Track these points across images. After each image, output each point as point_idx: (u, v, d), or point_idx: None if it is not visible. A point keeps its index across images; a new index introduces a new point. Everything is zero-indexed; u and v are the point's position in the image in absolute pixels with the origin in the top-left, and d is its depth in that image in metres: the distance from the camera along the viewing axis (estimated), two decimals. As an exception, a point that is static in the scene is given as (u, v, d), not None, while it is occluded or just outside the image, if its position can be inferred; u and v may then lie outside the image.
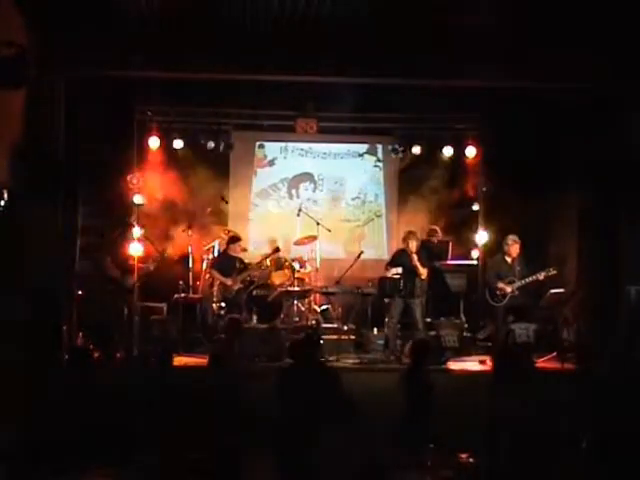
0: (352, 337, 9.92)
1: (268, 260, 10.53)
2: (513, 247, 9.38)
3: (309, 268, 10.76)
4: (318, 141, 12.10)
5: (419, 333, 9.39)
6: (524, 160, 10.42)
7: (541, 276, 9.17)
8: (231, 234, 10.47)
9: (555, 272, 9.18)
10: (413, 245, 9.39)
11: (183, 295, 10.28)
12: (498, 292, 9.31)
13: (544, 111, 9.91)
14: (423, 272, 9.34)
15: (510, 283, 9.27)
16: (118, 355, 8.84)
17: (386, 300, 9.68)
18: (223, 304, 10.00)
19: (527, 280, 9.21)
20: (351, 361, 9.28)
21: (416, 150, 11.57)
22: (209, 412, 5.73)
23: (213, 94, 10.73)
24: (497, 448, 5.06)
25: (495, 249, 10.13)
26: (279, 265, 10.49)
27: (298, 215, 11.15)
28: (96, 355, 8.64)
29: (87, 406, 5.89)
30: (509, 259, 9.42)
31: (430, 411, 6.31)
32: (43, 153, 8.00)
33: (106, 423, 5.78)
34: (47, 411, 5.94)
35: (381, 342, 9.66)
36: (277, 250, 10.41)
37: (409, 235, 9.52)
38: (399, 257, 9.57)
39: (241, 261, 10.08)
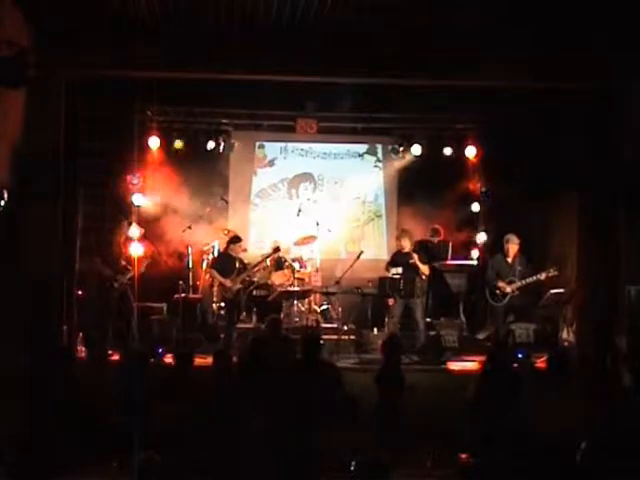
0: (352, 337, 9.93)
1: (268, 260, 10.53)
2: (512, 247, 9.37)
3: (309, 268, 10.76)
4: (318, 141, 12.11)
5: (419, 333, 9.41)
6: (524, 160, 10.42)
7: (542, 276, 9.17)
8: (232, 234, 10.43)
9: (556, 273, 9.18)
10: (406, 244, 9.41)
11: (183, 295, 10.28)
12: (498, 292, 9.31)
13: (544, 111, 9.91)
14: (424, 269, 9.34)
15: (510, 283, 9.27)
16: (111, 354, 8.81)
17: (387, 300, 9.69)
18: (223, 304, 10.00)
19: (528, 280, 9.21)
20: (351, 361, 9.28)
21: (416, 150, 11.58)
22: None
23: (213, 94, 10.73)
24: (495, 448, 5.06)
25: (495, 249, 10.14)
26: (279, 265, 10.49)
27: (298, 215, 11.15)
28: (93, 355, 8.67)
29: (88, 407, 5.89)
30: (509, 259, 9.41)
31: (402, 408, 6.31)
32: (43, 153, 7.99)
33: (108, 423, 5.78)
34: (47, 411, 5.94)
35: (381, 342, 9.65)
36: (277, 250, 10.39)
37: (401, 234, 9.57)
38: (397, 257, 9.59)
39: (241, 261, 10.02)
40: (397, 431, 6.11)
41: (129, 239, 9.58)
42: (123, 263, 9.46)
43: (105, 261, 9.37)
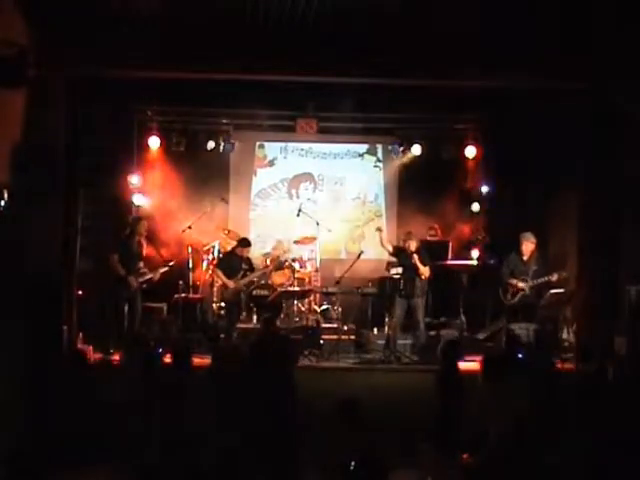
0: (352, 337, 9.93)
1: (268, 260, 10.54)
2: (527, 245, 9.38)
3: (309, 268, 10.76)
4: (318, 141, 12.11)
5: (420, 333, 9.41)
6: (524, 160, 10.43)
7: (554, 278, 9.19)
8: (243, 237, 10.31)
9: (567, 275, 9.22)
10: (413, 245, 9.40)
11: (183, 295, 10.28)
12: (510, 290, 9.32)
13: (544, 111, 9.91)
14: (424, 271, 9.34)
15: (524, 281, 9.28)
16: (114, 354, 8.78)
17: (388, 300, 9.69)
18: (223, 304, 10.00)
19: (539, 280, 9.22)
20: (351, 361, 9.29)
21: (416, 150, 11.58)
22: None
23: (213, 94, 10.73)
24: (496, 448, 5.06)
25: (495, 248, 10.15)
26: (279, 265, 10.49)
27: (298, 215, 11.14)
28: (96, 355, 8.66)
29: (88, 408, 5.88)
30: (524, 257, 9.41)
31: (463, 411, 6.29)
32: (43, 153, 7.99)
33: (109, 424, 5.76)
34: (47, 411, 5.93)
35: (381, 342, 9.68)
36: (285, 252, 10.41)
37: (409, 235, 9.54)
38: (398, 256, 9.58)
39: (248, 262, 10.00)
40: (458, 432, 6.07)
41: (148, 240, 9.55)
42: (140, 264, 9.40)
43: (121, 260, 9.29)
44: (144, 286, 9.37)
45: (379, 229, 9.93)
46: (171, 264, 9.67)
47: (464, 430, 5.59)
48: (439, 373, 6.65)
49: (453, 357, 6.72)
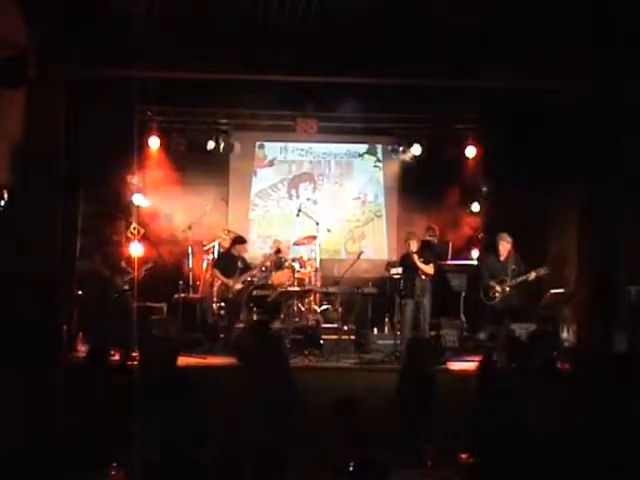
0: (352, 337, 9.93)
1: (268, 260, 10.54)
2: (504, 245, 9.33)
3: (309, 268, 10.76)
4: (318, 141, 12.11)
5: (422, 333, 9.39)
6: (524, 160, 10.42)
7: (532, 276, 9.10)
8: (233, 235, 10.43)
9: (546, 272, 9.14)
10: (414, 245, 9.39)
11: (183, 295, 10.28)
12: (490, 291, 9.30)
13: (544, 111, 9.91)
14: (427, 269, 9.30)
15: (502, 282, 9.25)
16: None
17: (388, 300, 9.69)
18: (223, 304, 10.01)
19: (518, 280, 9.17)
20: (351, 361, 9.28)
21: (416, 150, 11.58)
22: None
23: (213, 94, 10.73)
24: (495, 448, 5.07)
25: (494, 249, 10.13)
26: (279, 265, 10.49)
27: (298, 215, 11.15)
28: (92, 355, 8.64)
29: (88, 407, 5.88)
30: (501, 257, 9.38)
31: (429, 410, 6.29)
32: (43, 153, 7.99)
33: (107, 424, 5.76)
34: (47, 411, 5.94)
35: (381, 342, 9.67)
36: (279, 251, 10.41)
37: (410, 236, 9.53)
38: (403, 259, 9.56)
39: (243, 261, 10.06)
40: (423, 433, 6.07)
41: (128, 239, 9.58)
42: (123, 264, 9.45)
43: (104, 261, 9.36)
44: (127, 286, 9.37)
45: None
46: (152, 264, 9.67)
47: (464, 430, 5.60)
48: (401, 370, 6.65)
49: (415, 356, 6.71)
